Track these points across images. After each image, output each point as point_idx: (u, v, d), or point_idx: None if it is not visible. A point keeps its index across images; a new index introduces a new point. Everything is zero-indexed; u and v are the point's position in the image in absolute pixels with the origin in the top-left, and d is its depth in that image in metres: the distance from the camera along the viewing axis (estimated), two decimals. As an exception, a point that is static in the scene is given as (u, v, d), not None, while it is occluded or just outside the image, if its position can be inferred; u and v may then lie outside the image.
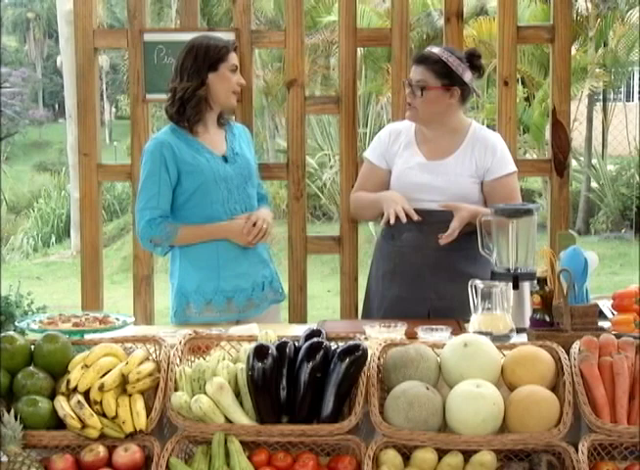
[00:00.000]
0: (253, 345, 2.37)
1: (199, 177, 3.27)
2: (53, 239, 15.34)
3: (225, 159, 3.33)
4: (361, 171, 3.53)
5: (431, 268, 3.23)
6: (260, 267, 3.39)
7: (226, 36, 3.95)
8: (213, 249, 3.30)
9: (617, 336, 2.44)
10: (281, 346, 2.38)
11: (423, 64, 3.25)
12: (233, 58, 3.34)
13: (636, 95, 20.63)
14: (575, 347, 2.40)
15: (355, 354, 2.33)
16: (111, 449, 2.32)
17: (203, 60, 3.28)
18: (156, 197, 3.27)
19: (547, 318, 2.69)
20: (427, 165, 3.29)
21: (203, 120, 3.33)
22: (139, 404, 2.35)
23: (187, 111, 3.30)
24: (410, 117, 3.33)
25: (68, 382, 2.35)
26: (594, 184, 14.02)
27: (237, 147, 3.40)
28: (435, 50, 3.30)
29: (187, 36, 3.93)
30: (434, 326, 2.64)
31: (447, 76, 3.23)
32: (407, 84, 3.29)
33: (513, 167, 3.34)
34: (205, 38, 3.39)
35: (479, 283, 2.72)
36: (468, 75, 3.25)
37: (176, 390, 2.36)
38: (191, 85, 3.28)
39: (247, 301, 3.34)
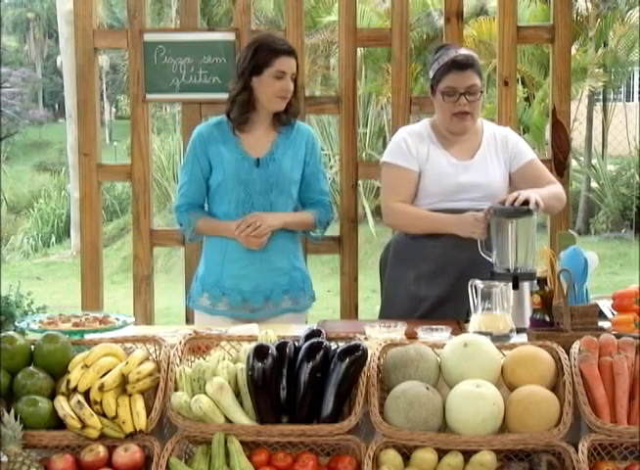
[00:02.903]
0: (253, 345, 2.37)
1: (220, 174, 3.32)
2: (53, 239, 15.35)
3: (258, 162, 3.32)
4: (390, 179, 3.34)
5: (476, 267, 3.04)
6: (272, 275, 3.35)
7: (226, 36, 3.97)
8: (222, 246, 3.35)
9: (617, 336, 2.43)
10: (281, 346, 2.38)
11: (469, 68, 3.20)
12: (280, 63, 3.25)
13: (636, 95, 20.64)
14: (575, 347, 2.40)
15: (355, 354, 2.33)
16: (111, 449, 2.32)
17: (249, 62, 3.27)
18: (185, 185, 3.40)
19: (547, 318, 2.69)
20: (461, 166, 3.26)
21: (250, 120, 3.33)
22: (139, 404, 2.35)
23: (234, 111, 3.32)
24: (467, 127, 3.25)
25: (68, 382, 2.35)
26: (594, 184, 14.03)
27: (279, 152, 3.34)
28: (466, 51, 3.29)
29: (187, 36, 3.97)
30: (434, 326, 2.64)
31: (481, 76, 3.25)
32: (458, 94, 3.19)
33: (533, 153, 3.39)
34: (261, 39, 3.35)
35: (479, 283, 2.72)
36: None
37: (176, 390, 2.36)
38: (235, 88, 3.31)
39: (242, 301, 3.34)
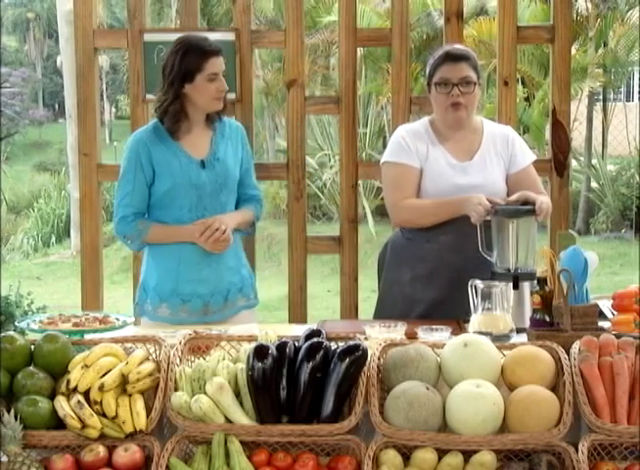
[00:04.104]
0: (253, 345, 2.37)
1: (169, 180, 3.27)
2: (53, 239, 15.35)
3: (203, 164, 3.30)
4: (392, 177, 3.29)
5: (472, 270, 2.99)
6: (227, 275, 3.36)
7: (226, 36, 3.97)
8: (176, 251, 3.30)
9: (617, 336, 2.43)
10: (281, 346, 2.38)
11: (463, 60, 3.21)
12: (211, 65, 3.23)
13: (636, 95, 20.64)
14: (575, 347, 2.40)
15: (355, 354, 2.33)
16: (111, 449, 2.31)
17: (177, 72, 3.22)
18: (129, 195, 3.31)
19: (547, 318, 2.69)
20: (460, 167, 3.25)
21: (186, 123, 3.31)
22: (139, 404, 2.35)
23: (166, 120, 3.29)
24: (462, 119, 3.23)
25: (68, 382, 2.35)
26: (594, 184, 14.03)
27: (221, 151, 3.34)
28: (461, 46, 3.32)
29: (187, 36, 3.95)
30: (434, 326, 2.64)
31: (477, 72, 3.25)
32: (451, 84, 3.18)
33: (532, 156, 3.39)
34: (186, 43, 3.26)
35: (479, 283, 2.72)
36: None
37: (176, 390, 2.36)
38: (167, 98, 3.26)
39: (203, 306, 3.32)
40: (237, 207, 3.43)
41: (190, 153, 3.30)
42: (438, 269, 3.21)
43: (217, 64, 3.25)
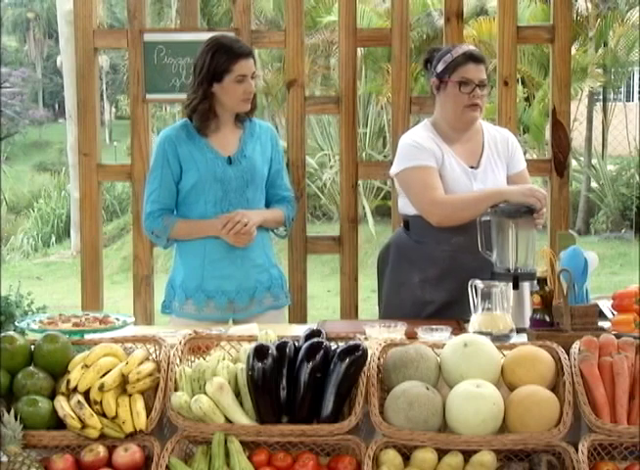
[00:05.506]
0: (253, 345, 2.37)
1: (194, 175, 3.29)
2: (53, 239, 15.36)
3: (229, 160, 3.32)
4: (417, 179, 3.19)
5: (483, 271, 2.97)
6: (254, 273, 3.36)
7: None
8: (201, 247, 3.32)
9: (617, 336, 2.43)
10: (281, 346, 2.38)
11: (482, 62, 3.25)
12: (240, 67, 3.24)
13: (636, 95, 20.65)
14: (575, 347, 2.40)
15: (355, 354, 2.33)
16: (111, 449, 2.32)
17: (207, 70, 3.25)
18: (157, 191, 3.33)
19: (547, 318, 2.69)
20: (472, 173, 3.24)
21: (214, 122, 3.33)
22: (139, 404, 2.35)
23: (195, 119, 3.32)
24: (476, 119, 3.27)
25: (68, 382, 2.35)
26: (594, 184, 14.02)
27: (249, 149, 3.36)
28: (474, 47, 3.36)
29: (187, 36, 3.97)
30: (434, 326, 2.64)
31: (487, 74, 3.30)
32: (473, 85, 3.20)
33: (524, 162, 3.42)
34: (217, 43, 3.28)
35: (479, 283, 2.72)
36: None
37: (176, 390, 2.36)
38: (196, 97, 3.29)
39: (228, 303, 3.33)
40: (268, 208, 3.44)
41: (217, 150, 3.32)
42: (450, 271, 3.19)
43: (246, 66, 3.26)
